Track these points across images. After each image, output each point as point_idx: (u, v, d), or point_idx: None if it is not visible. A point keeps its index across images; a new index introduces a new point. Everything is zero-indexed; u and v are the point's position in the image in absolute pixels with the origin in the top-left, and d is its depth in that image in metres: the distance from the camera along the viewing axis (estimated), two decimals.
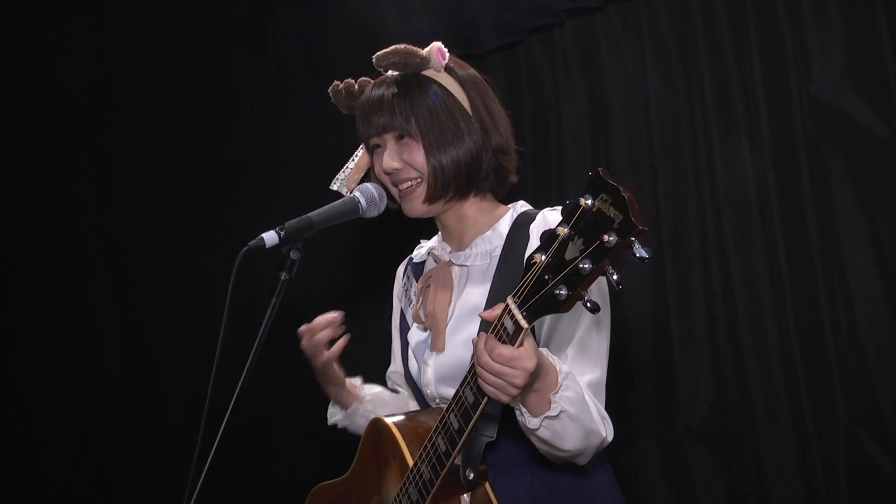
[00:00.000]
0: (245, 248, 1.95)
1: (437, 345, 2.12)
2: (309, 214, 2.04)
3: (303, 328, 2.32)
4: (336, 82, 2.25)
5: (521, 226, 2.09)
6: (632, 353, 3.62)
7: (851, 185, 3.19)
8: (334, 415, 2.45)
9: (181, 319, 4.78)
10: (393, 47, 2.09)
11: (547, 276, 1.57)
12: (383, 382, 2.51)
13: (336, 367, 2.35)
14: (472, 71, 2.21)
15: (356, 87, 2.23)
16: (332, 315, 2.31)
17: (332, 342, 2.32)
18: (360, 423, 2.36)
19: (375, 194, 2.14)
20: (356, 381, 2.43)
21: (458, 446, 1.84)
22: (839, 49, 3.20)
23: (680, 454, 3.54)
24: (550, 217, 2.05)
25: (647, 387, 3.64)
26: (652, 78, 3.61)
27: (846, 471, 3.20)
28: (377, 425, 2.13)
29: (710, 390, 3.50)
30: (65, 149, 4.96)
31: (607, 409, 2.03)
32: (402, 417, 2.13)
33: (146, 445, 4.80)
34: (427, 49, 2.12)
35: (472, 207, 2.17)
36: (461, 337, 2.08)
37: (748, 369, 3.39)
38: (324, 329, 2.29)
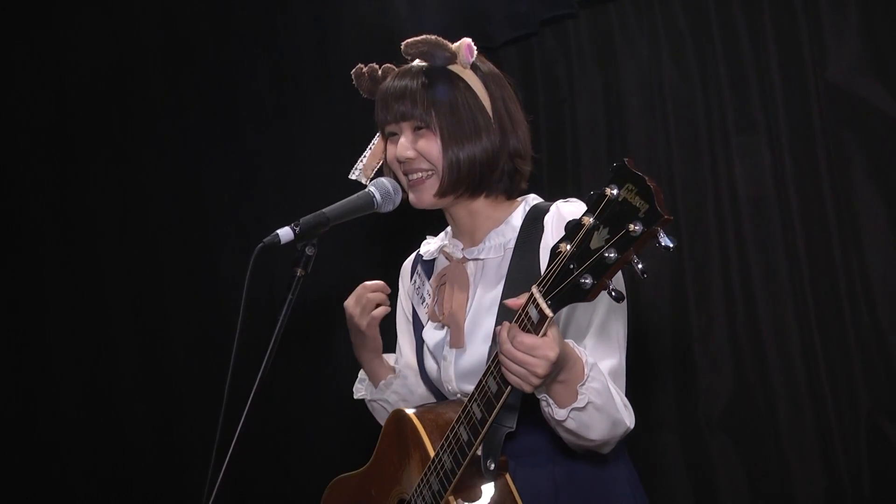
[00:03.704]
0: (260, 245, 1.96)
1: (456, 341, 2.12)
2: (323, 210, 2.05)
3: (350, 298, 2.31)
4: (360, 65, 2.26)
5: (534, 218, 2.09)
6: (651, 344, 3.61)
7: (870, 172, 3.17)
8: (360, 390, 2.44)
9: (197, 317, 4.80)
10: (423, 36, 2.10)
11: (572, 266, 1.59)
12: None
13: (377, 332, 2.33)
14: (497, 71, 2.21)
15: (379, 71, 2.24)
16: (382, 283, 2.32)
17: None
18: (392, 399, 2.35)
19: (390, 188, 2.14)
20: (390, 357, 2.41)
21: (481, 436, 1.84)
22: (855, 34, 3.17)
23: (701, 445, 3.53)
24: (564, 209, 2.06)
25: (666, 378, 3.63)
26: (667, 68, 3.59)
27: (868, 460, 3.18)
28: (398, 417, 2.13)
29: (729, 381, 3.48)
30: (78, 148, 4.99)
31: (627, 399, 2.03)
32: (422, 409, 2.14)
33: (163, 444, 4.82)
34: (456, 44, 2.13)
35: (486, 206, 2.17)
36: (480, 332, 2.08)
37: (768, 359, 3.38)
38: (375, 291, 2.29)
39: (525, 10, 3.87)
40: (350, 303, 2.31)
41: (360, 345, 2.36)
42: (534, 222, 2.09)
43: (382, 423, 2.29)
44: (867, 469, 3.18)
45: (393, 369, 2.37)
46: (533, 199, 2.19)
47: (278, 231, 1.97)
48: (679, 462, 3.60)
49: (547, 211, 2.09)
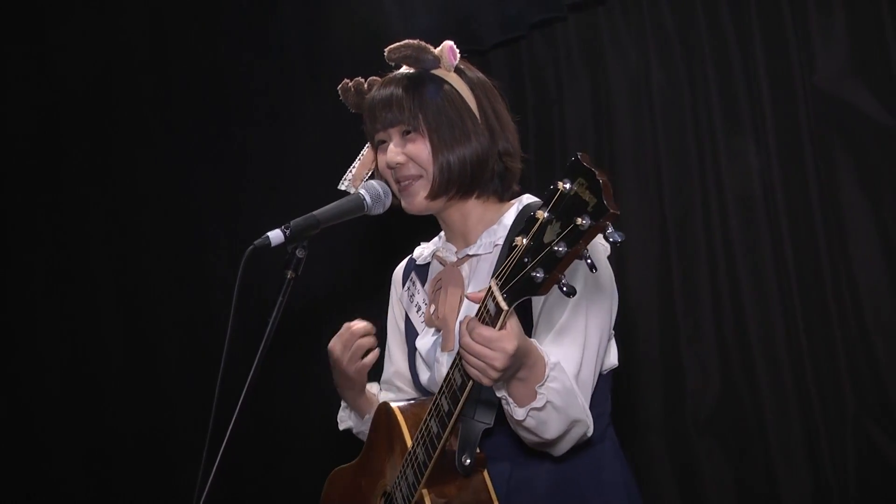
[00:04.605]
0: (251, 247, 1.95)
1: (447, 344, 2.12)
2: (314, 212, 2.05)
3: (335, 341, 2.25)
4: (345, 80, 2.25)
5: (524, 216, 2.09)
6: (638, 347, 3.62)
7: (857, 176, 3.19)
8: (345, 420, 2.43)
9: (187, 319, 4.78)
10: (406, 41, 2.10)
11: (526, 259, 1.60)
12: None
13: (364, 376, 2.31)
14: (482, 75, 2.21)
15: (365, 85, 2.23)
16: (366, 324, 2.26)
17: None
18: None
19: (381, 191, 2.15)
20: (373, 386, 2.41)
21: (448, 428, 1.86)
22: (842, 39, 3.19)
23: (688, 448, 3.54)
24: None
25: (654, 381, 3.64)
26: (655, 71, 3.61)
27: (855, 462, 3.20)
28: (385, 410, 2.15)
29: (717, 383, 3.49)
30: (67, 148, 4.97)
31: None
32: (407, 402, 2.16)
33: (152, 447, 4.80)
34: (439, 48, 2.13)
35: (477, 207, 2.18)
36: None
37: (755, 362, 3.39)
38: (364, 336, 2.24)
39: (514, 13, 3.88)
40: (336, 347, 2.25)
41: (343, 385, 2.33)
42: (522, 220, 2.09)
43: None
44: (853, 471, 3.20)
45: (376, 404, 2.35)
46: (527, 199, 2.19)
47: (269, 233, 1.97)
48: (666, 464, 3.61)
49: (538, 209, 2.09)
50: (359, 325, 2.25)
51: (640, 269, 3.59)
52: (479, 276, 2.14)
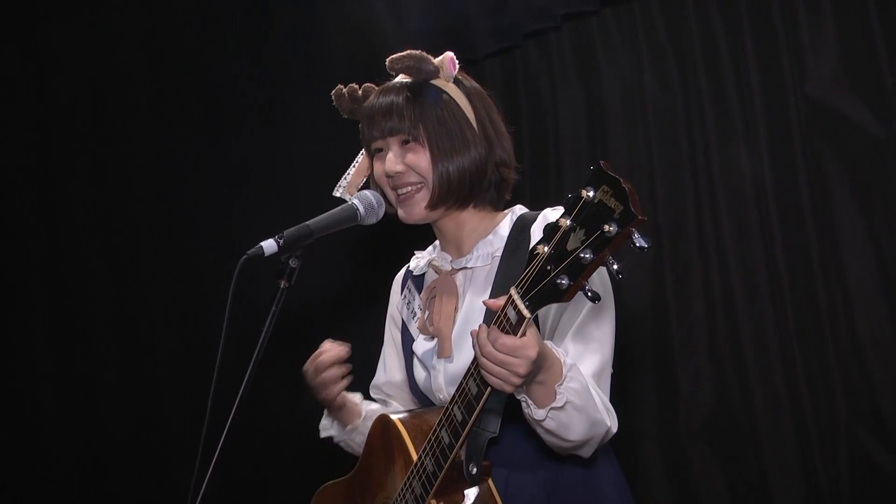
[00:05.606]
0: (244, 257, 1.96)
1: (443, 351, 2.14)
2: (307, 222, 2.05)
3: (308, 365, 2.28)
4: (339, 86, 2.27)
5: (522, 228, 2.12)
6: (632, 354, 3.63)
7: (848, 184, 3.20)
8: (327, 429, 2.45)
9: (182, 328, 4.79)
10: (408, 52, 2.11)
11: (549, 267, 1.61)
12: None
13: (341, 397, 2.33)
14: (478, 85, 2.24)
15: (360, 91, 2.25)
16: (339, 350, 2.28)
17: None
18: (358, 441, 2.37)
19: (374, 201, 2.16)
20: (356, 397, 2.41)
21: (462, 438, 1.86)
22: (833, 49, 3.21)
23: (681, 455, 3.54)
24: (551, 215, 2.08)
25: (647, 388, 3.65)
26: (648, 80, 3.62)
27: (847, 470, 3.21)
28: (383, 422, 2.15)
29: (710, 391, 3.50)
30: (62, 154, 4.97)
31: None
32: (407, 414, 2.16)
33: (147, 455, 4.80)
34: (440, 58, 2.15)
35: (472, 217, 2.19)
36: (468, 342, 2.08)
37: (748, 369, 3.40)
38: (330, 366, 2.27)
39: (508, 22, 3.90)
40: (309, 373, 2.28)
41: (324, 405, 2.38)
42: (521, 231, 2.11)
43: (357, 452, 2.34)
44: (846, 478, 3.21)
45: (359, 413, 2.38)
46: (520, 210, 2.21)
47: (262, 243, 1.98)
48: (660, 472, 3.61)
49: (534, 220, 2.11)
50: (328, 354, 2.27)
51: (634, 276, 3.60)
52: (476, 285, 2.16)
